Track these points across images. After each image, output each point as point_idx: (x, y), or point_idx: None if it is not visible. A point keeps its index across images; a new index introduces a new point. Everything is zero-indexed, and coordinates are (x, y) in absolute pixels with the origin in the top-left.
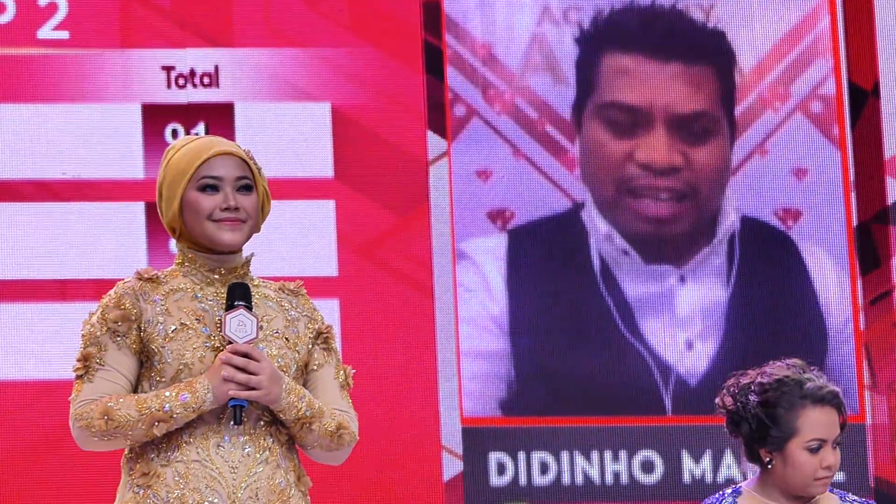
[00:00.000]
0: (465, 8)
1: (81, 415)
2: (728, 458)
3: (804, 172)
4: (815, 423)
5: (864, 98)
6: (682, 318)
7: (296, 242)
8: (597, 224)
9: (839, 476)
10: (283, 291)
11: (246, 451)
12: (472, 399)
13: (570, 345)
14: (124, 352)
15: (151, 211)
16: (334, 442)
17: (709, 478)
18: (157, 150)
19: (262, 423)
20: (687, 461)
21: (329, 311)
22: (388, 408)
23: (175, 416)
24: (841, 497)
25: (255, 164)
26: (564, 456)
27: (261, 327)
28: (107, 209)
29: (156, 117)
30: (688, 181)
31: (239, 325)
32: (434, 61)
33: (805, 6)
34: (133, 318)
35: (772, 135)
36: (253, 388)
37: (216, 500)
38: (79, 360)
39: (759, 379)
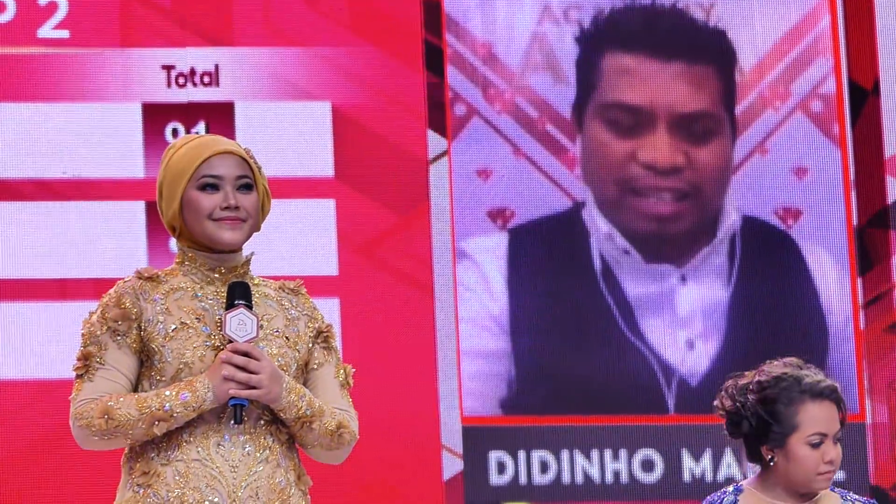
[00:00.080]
0: (466, 7)
1: (81, 414)
2: (728, 457)
3: (804, 171)
4: (815, 417)
5: (864, 97)
6: (683, 318)
7: (296, 241)
8: (597, 223)
9: (839, 475)
10: (283, 290)
11: (246, 450)
12: (472, 398)
13: (570, 344)
14: (124, 351)
15: (152, 210)
16: (334, 441)
17: (709, 477)
18: (157, 149)
19: (262, 422)
20: (687, 460)
21: (329, 310)
22: (389, 407)
23: (175, 415)
24: (842, 496)
25: (256, 163)
26: (564, 455)
27: (261, 326)
28: (107, 208)
29: (156, 116)
30: (690, 181)
31: (239, 324)
32: (434, 60)
33: (805, 5)
34: (133, 317)
35: (772, 134)
36: (253, 387)
37: (216, 499)
38: (79, 360)
39: (756, 378)
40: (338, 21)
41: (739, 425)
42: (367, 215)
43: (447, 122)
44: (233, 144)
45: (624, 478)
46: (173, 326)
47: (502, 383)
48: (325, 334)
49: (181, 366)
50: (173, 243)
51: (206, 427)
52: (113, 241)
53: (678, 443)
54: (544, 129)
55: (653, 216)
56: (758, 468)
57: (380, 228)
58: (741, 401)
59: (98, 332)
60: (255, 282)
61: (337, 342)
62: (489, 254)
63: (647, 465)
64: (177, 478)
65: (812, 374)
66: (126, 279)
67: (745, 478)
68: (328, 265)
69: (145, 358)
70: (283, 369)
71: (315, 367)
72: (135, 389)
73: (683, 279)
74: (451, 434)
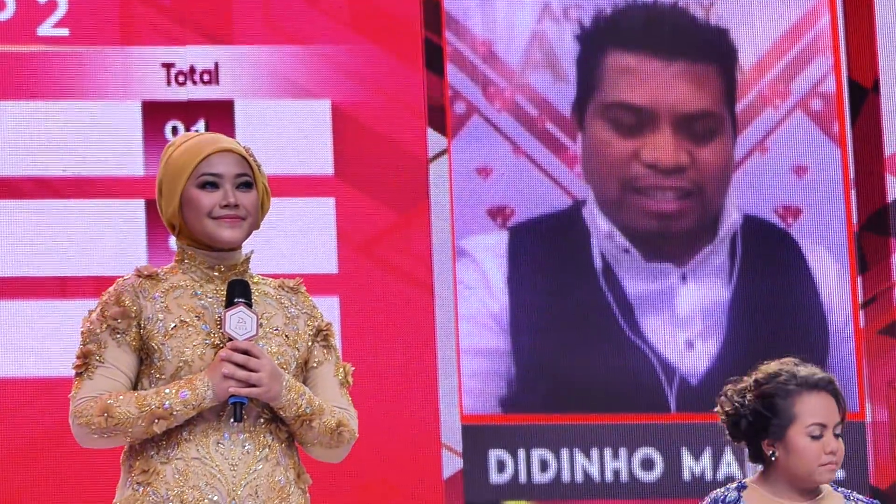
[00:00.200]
0: (466, 5)
1: (81, 412)
2: (728, 456)
3: (804, 170)
4: (813, 407)
5: (864, 95)
6: (683, 317)
7: (296, 240)
8: (598, 222)
9: (839, 474)
10: (283, 289)
11: (246, 448)
12: (472, 396)
13: (570, 343)
14: (124, 349)
15: (151, 208)
16: (334, 439)
17: (709, 475)
18: (156, 147)
19: (261, 420)
20: (687, 459)
21: (329, 308)
22: (388, 405)
23: (175, 413)
24: (845, 496)
25: (255, 161)
26: (564, 453)
27: (260, 324)
28: (107, 206)
29: (156, 114)
30: (693, 180)
31: (239, 322)
32: (434, 58)
33: (805, 4)
34: (133, 315)
35: (772, 132)
36: (253, 385)
37: (216, 498)
38: (78, 357)
39: (753, 377)
40: (338, 19)
41: (739, 425)
42: (366, 213)
43: (447, 121)
44: (232, 142)
45: (624, 476)
46: (173, 324)
47: (502, 382)
48: (324, 333)
49: (181, 364)
50: (173, 241)
51: (206, 425)
52: (113, 239)
53: (678, 441)
54: (544, 127)
55: (654, 215)
56: (760, 468)
57: (379, 227)
58: (739, 401)
59: (98, 330)
60: (255, 280)
61: (336, 341)
62: (489, 252)
63: (647, 464)
64: (176, 476)
65: (808, 368)
66: (125, 277)
67: (745, 477)
68: (328, 263)
69: (145, 356)
70: (282, 367)
71: (314, 365)
72: (134, 387)
73: (684, 278)
74: (451, 432)
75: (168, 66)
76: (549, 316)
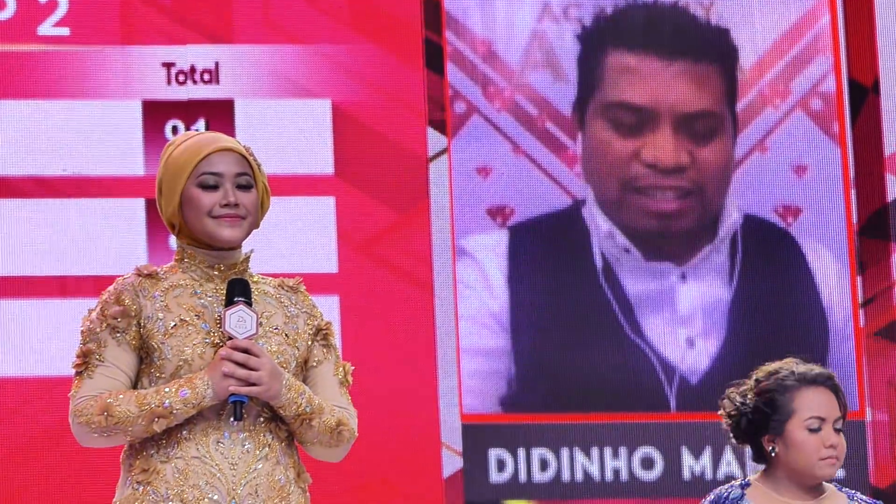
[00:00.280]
0: (466, 5)
1: (81, 411)
2: (728, 455)
3: (804, 169)
4: (811, 401)
5: (864, 95)
6: (684, 316)
7: (296, 239)
8: (598, 221)
9: (839, 472)
10: (283, 288)
11: (245, 447)
12: (472, 396)
13: (570, 342)
14: (124, 348)
15: (151, 207)
16: (334, 438)
17: (709, 474)
18: (157, 146)
19: (261, 419)
20: (687, 458)
21: (329, 307)
22: (388, 404)
23: (175, 412)
24: (849, 497)
25: (255, 160)
26: (564, 453)
27: (260, 323)
28: (107, 205)
29: (156, 114)
30: (693, 179)
31: (239, 321)
32: (434, 58)
33: (805, 3)
34: (132, 314)
35: (772, 132)
36: (253, 384)
37: (216, 497)
38: (78, 357)
39: (754, 377)
40: (338, 18)
41: (740, 424)
42: (366, 213)
43: (447, 120)
44: (232, 141)
45: (624, 475)
46: (172, 323)
47: (502, 381)
48: (324, 332)
49: (181, 363)
50: (173, 240)
51: (206, 424)
52: (113, 238)
53: (678, 440)
54: (544, 126)
55: (654, 215)
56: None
57: (380, 226)
58: (741, 401)
59: (97, 330)
60: (255, 279)
61: (336, 340)
62: (489, 251)
63: (647, 463)
64: (176, 475)
65: (808, 366)
66: (125, 276)
67: (745, 477)
68: (328, 263)
69: (145, 355)
70: (282, 366)
71: (314, 364)
72: (134, 387)
73: (684, 277)
74: (451, 432)
75: (168, 65)
76: (549, 315)
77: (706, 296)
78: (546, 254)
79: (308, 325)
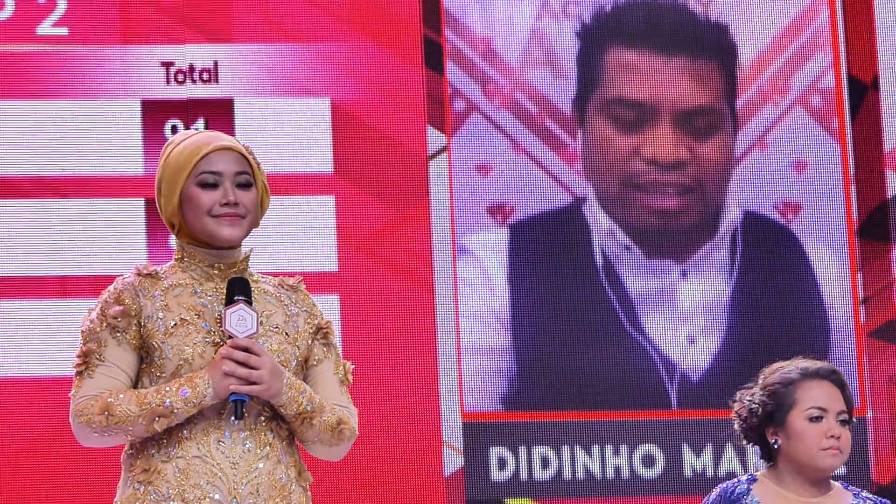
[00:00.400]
0: (465, 2)
1: (81, 411)
2: (729, 451)
3: (804, 166)
4: (813, 393)
5: (863, 91)
6: (684, 314)
7: (296, 238)
8: (598, 219)
9: (840, 470)
10: (283, 287)
11: (246, 446)
12: (472, 394)
13: (571, 339)
14: (124, 347)
15: (151, 207)
16: (334, 437)
17: (710, 472)
18: (156, 146)
19: (262, 418)
20: (688, 455)
21: (329, 306)
22: (389, 403)
23: (175, 411)
24: (855, 495)
25: (255, 158)
26: (565, 450)
27: (261, 322)
28: (107, 205)
29: (155, 113)
30: (693, 176)
31: (239, 319)
32: (433, 56)
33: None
34: (133, 313)
35: (771, 128)
36: (254, 383)
37: (217, 496)
38: (79, 357)
39: (761, 376)
40: (337, 17)
41: (748, 422)
42: (366, 211)
43: (446, 118)
44: (232, 140)
45: (625, 473)
46: (173, 323)
47: (503, 379)
48: (324, 331)
49: (181, 362)
50: (173, 240)
51: (207, 424)
52: (113, 238)
53: (679, 438)
54: (544, 124)
55: (655, 212)
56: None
57: (379, 224)
58: (749, 399)
59: (98, 329)
60: (255, 278)
61: (336, 339)
62: (489, 249)
63: (648, 461)
64: (177, 475)
65: (812, 361)
66: (125, 276)
67: (745, 473)
68: (328, 261)
69: (145, 354)
70: (282, 365)
71: (314, 363)
72: (135, 386)
73: (684, 275)
74: (452, 430)
75: (167, 64)
76: (549, 313)
77: (707, 293)
78: (546, 252)
79: (308, 323)
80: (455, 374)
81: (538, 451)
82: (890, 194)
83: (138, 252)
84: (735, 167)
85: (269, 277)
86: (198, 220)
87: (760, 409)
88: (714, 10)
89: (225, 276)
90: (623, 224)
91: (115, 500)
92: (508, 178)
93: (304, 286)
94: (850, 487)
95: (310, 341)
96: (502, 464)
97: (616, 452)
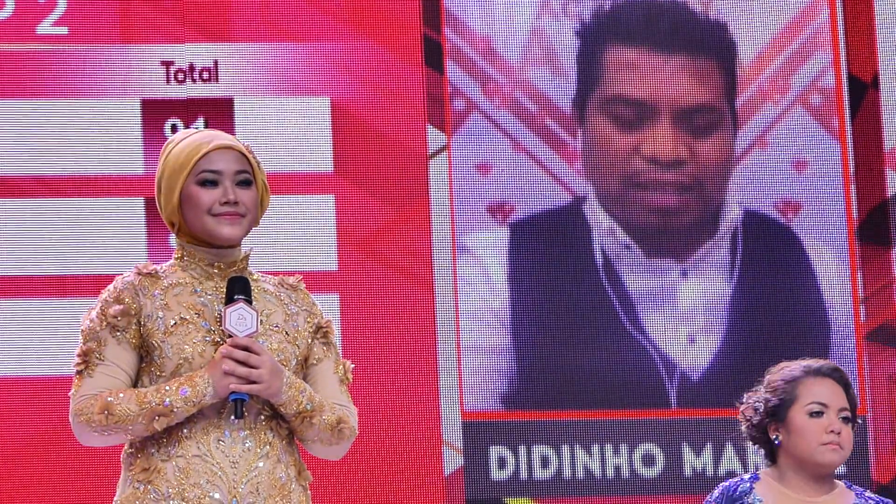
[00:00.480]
0: (465, 1)
1: (81, 410)
2: (729, 451)
3: (804, 165)
4: (814, 389)
5: (863, 90)
6: (684, 313)
7: (296, 237)
8: (598, 218)
9: (840, 469)
10: (283, 286)
11: (246, 445)
12: (472, 393)
13: (571, 339)
14: (124, 346)
15: (151, 206)
16: (334, 436)
17: (710, 471)
18: (156, 145)
19: (262, 417)
20: (688, 454)
21: (329, 305)
22: (389, 402)
23: (175, 410)
24: (857, 494)
25: (255, 157)
26: (565, 450)
27: (261, 321)
28: (106, 204)
29: (155, 112)
30: (693, 174)
31: (239, 318)
32: (433, 55)
33: None
34: (133, 312)
35: (771, 127)
36: (254, 382)
37: (217, 495)
38: (78, 356)
39: (766, 376)
40: (337, 16)
41: (752, 420)
42: (366, 211)
43: (446, 117)
44: (232, 139)
45: (625, 472)
46: (172, 322)
47: (503, 378)
48: (324, 330)
49: (181, 361)
50: (173, 239)
51: (206, 423)
52: (112, 237)
53: (679, 437)
54: (544, 123)
55: (655, 211)
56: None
57: (379, 224)
58: (754, 399)
59: (98, 329)
60: (255, 277)
61: (336, 338)
62: (489, 248)
63: (648, 460)
64: (177, 474)
65: (816, 360)
66: (125, 275)
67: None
68: (328, 261)
69: (145, 353)
70: (282, 364)
71: (314, 362)
72: (135, 385)
73: (685, 273)
74: (452, 429)
75: (167, 63)
76: (549, 312)
77: (707, 292)
78: (547, 251)
79: (308, 322)
80: (455, 373)
81: (538, 450)
82: (890, 193)
83: (138, 252)
84: (735, 166)
85: (269, 276)
86: (198, 218)
87: (763, 407)
88: (714, 8)
89: (225, 275)
90: (623, 223)
91: (115, 499)
92: (508, 177)
93: (304, 285)
94: (853, 487)
95: (310, 340)
96: (502, 463)
97: (616, 452)
